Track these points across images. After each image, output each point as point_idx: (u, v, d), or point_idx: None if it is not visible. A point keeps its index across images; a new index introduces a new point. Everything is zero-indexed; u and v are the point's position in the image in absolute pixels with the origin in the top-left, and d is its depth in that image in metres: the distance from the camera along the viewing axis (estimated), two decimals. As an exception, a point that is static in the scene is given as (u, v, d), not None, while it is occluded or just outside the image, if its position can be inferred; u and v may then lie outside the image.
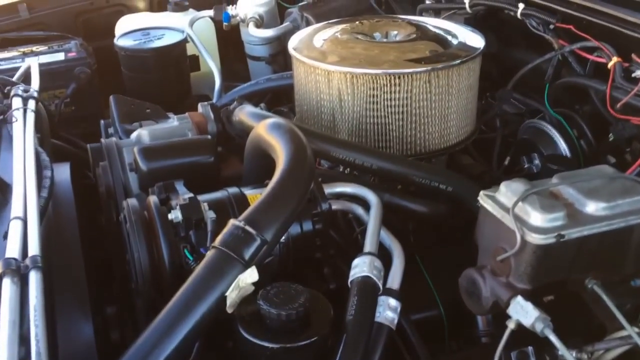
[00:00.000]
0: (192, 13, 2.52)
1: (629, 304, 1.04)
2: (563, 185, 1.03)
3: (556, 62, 1.61)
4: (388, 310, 1.05)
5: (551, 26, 1.62)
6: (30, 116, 1.60)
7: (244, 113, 1.45)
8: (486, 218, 1.04)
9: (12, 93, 1.70)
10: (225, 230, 0.99)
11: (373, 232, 1.15)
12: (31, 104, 1.68)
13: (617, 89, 1.41)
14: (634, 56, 1.39)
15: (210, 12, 2.42)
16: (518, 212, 0.97)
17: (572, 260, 0.98)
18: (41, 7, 2.54)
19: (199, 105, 1.58)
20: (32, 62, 2.01)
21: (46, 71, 2.26)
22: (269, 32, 2.25)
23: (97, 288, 1.33)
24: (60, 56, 2.36)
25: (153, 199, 1.16)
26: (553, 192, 1.03)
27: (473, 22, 1.87)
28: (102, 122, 1.79)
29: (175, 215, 1.12)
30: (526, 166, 1.63)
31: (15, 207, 1.19)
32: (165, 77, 2.26)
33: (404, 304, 1.07)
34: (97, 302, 1.29)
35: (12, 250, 1.05)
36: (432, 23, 1.70)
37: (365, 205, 1.27)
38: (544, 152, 1.59)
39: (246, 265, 0.97)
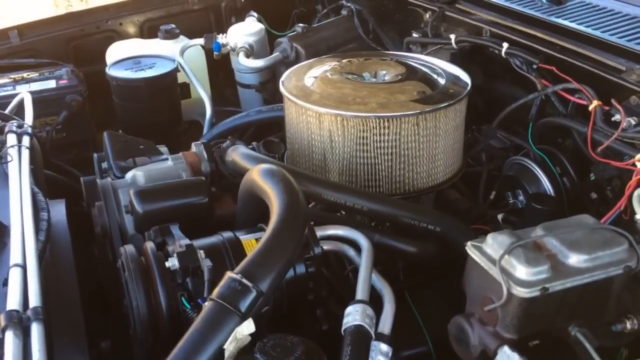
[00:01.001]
0: (182, 40, 2.55)
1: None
2: (547, 237, 1.08)
3: (539, 101, 1.66)
4: (380, 356, 1.08)
5: (534, 66, 1.68)
6: (25, 154, 1.62)
7: (238, 154, 1.48)
8: (473, 268, 1.08)
9: (6, 129, 1.72)
10: (222, 282, 1.02)
11: (365, 279, 1.19)
12: (25, 140, 1.70)
13: (598, 131, 1.46)
14: (613, 101, 1.45)
15: (201, 41, 2.45)
16: (504, 264, 1.02)
17: (557, 310, 1.03)
18: (32, 33, 2.55)
19: (193, 145, 1.61)
20: (25, 92, 2.02)
21: (38, 99, 2.28)
22: (259, 63, 2.29)
23: (92, 318, 1.35)
24: (52, 84, 2.38)
25: (150, 246, 1.19)
26: (537, 243, 1.07)
27: (459, 57, 1.93)
28: (95, 156, 1.82)
29: (173, 263, 1.15)
30: (511, 201, 1.68)
31: (14, 254, 1.21)
32: (157, 105, 2.28)
33: (394, 341, 1.11)
34: (92, 335, 1.32)
35: (13, 301, 1.08)
36: (420, 61, 1.75)
37: (356, 246, 1.31)
38: (528, 189, 1.64)
39: (243, 318, 1.00)
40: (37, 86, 2.37)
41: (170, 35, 2.52)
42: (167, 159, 1.55)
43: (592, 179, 1.53)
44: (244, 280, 1.01)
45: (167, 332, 1.13)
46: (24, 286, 1.13)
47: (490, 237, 1.07)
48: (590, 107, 1.49)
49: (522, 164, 1.68)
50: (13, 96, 2.26)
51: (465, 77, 1.62)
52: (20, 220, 1.31)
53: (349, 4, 2.53)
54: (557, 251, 1.05)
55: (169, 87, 2.31)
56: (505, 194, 1.71)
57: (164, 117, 2.32)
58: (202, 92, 2.32)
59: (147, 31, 2.73)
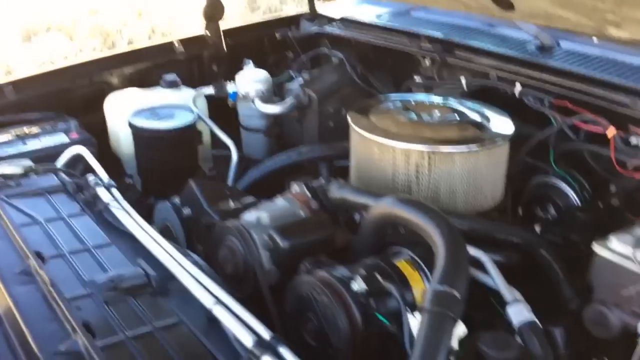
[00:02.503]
0: (184, 90, 2.64)
1: None
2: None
3: (557, 131, 2.03)
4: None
5: (545, 102, 2.05)
6: (128, 206, 1.68)
7: (348, 192, 1.67)
8: (603, 263, 1.38)
9: (91, 182, 1.76)
10: (430, 295, 1.21)
11: (503, 283, 1.44)
12: (116, 192, 1.75)
13: (620, 152, 1.85)
14: (631, 127, 1.84)
15: (211, 89, 2.57)
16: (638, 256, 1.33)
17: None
18: (27, 88, 2.50)
19: (294, 185, 1.76)
20: (79, 147, 2.03)
21: (53, 153, 2.28)
22: (275, 109, 2.46)
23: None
24: (63, 138, 2.37)
25: (333, 275, 1.35)
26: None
27: (468, 96, 2.26)
28: (170, 204, 1.89)
29: (360, 286, 1.32)
30: (542, 216, 2.02)
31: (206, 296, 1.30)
32: (181, 154, 2.37)
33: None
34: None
35: (247, 334, 1.19)
36: (466, 106, 2.02)
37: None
38: (559, 203, 1.99)
39: (456, 321, 1.20)
40: (48, 141, 2.35)
41: (172, 85, 2.61)
42: (281, 200, 1.68)
43: (614, 191, 1.91)
44: (450, 290, 1.22)
45: (365, 348, 1.29)
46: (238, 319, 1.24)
47: (613, 237, 1.38)
48: (609, 135, 1.87)
49: (548, 182, 2.03)
50: (30, 153, 2.25)
51: (507, 120, 1.92)
52: (191, 267, 1.40)
53: (333, 52, 2.79)
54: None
55: (192, 136, 2.40)
56: (534, 209, 2.05)
57: (186, 165, 2.41)
58: (225, 138, 2.44)
59: (137, 81, 2.78)
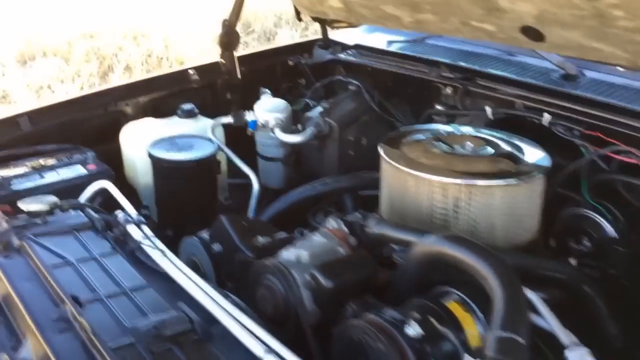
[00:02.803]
0: (201, 119, 2.60)
1: None
2: None
3: (589, 162, 2.00)
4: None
5: (576, 132, 2.03)
6: (162, 245, 1.63)
7: (388, 228, 1.63)
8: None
9: (121, 219, 1.70)
10: (495, 341, 1.17)
11: (558, 326, 1.39)
12: (147, 230, 1.70)
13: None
14: (667, 158, 1.83)
15: (229, 119, 2.53)
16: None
17: None
18: (42, 119, 2.45)
19: (331, 220, 1.72)
20: (104, 182, 1.98)
21: (70, 187, 2.23)
22: (296, 138, 2.42)
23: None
24: (80, 169, 2.33)
25: (387, 318, 1.30)
26: None
27: (493, 125, 2.24)
28: (197, 239, 1.84)
29: (416, 330, 1.27)
30: (577, 247, 1.98)
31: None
32: (202, 185, 2.32)
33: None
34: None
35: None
36: (497, 137, 1.98)
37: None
38: (594, 235, 1.96)
39: (522, 369, 1.16)
40: (66, 173, 2.30)
41: (189, 115, 2.57)
42: (319, 237, 1.64)
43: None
44: (515, 337, 1.18)
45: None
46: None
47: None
48: (646, 165, 1.86)
49: (581, 213, 2.00)
50: (48, 186, 2.20)
51: (540, 151, 1.89)
52: (235, 311, 1.34)
53: (349, 80, 2.76)
54: None
55: (212, 166, 2.35)
56: (567, 240, 2.01)
57: (205, 196, 2.36)
58: (246, 169, 2.40)
59: (151, 110, 2.73)
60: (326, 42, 3.08)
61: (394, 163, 1.80)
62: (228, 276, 1.76)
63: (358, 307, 1.39)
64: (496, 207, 1.71)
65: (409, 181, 1.77)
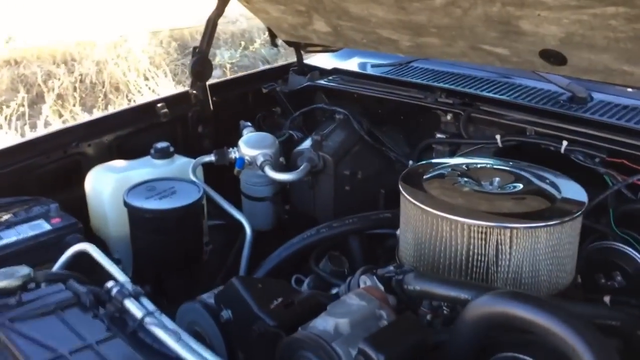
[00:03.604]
0: (177, 159, 2.34)
1: None
2: None
3: (614, 191, 1.88)
4: None
5: (597, 159, 1.91)
6: (170, 322, 1.37)
7: (431, 283, 1.43)
8: None
9: (114, 291, 1.43)
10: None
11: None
12: (146, 302, 1.43)
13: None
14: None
15: (211, 157, 2.28)
16: None
17: None
18: (-8, 167, 2.12)
19: (365, 278, 1.50)
20: (85, 244, 1.69)
21: (33, 245, 1.94)
22: (291, 176, 2.20)
23: None
24: (43, 225, 2.01)
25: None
26: None
27: (502, 153, 2.09)
28: (199, 305, 1.58)
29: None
30: (608, 283, 1.85)
31: None
32: (187, 235, 2.05)
33: None
34: None
35: None
36: (531, 171, 1.80)
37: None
38: (627, 269, 1.83)
39: None
40: (26, 230, 1.98)
41: (165, 154, 2.30)
42: (355, 299, 1.41)
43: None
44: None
45: None
46: None
47: None
48: (676, 192, 1.74)
49: (610, 247, 1.87)
50: (5, 248, 1.89)
51: (578, 189, 1.73)
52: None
53: (334, 108, 2.56)
54: None
55: (199, 212, 2.09)
56: (596, 276, 1.87)
57: (191, 246, 2.10)
58: (236, 213, 2.15)
59: (117, 151, 2.44)
60: (301, 67, 2.87)
61: (422, 206, 1.61)
62: (242, 348, 1.52)
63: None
64: (541, 251, 1.55)
65: (443, 225, 1.58)
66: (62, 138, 2.33)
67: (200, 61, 2.53)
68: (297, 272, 2.03)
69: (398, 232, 1.88)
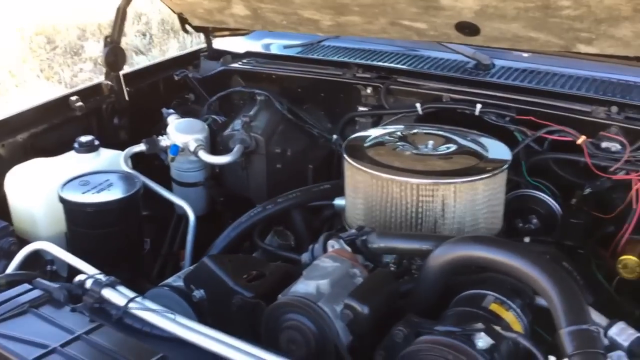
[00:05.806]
0: (103, 152, 2.28)
1: None
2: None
3: (525, 144, 2.10)
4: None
5: (507, 119, 2.13)
6: (155, 305, 1.39)
7: (394, 240, 1.56)
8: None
9: (88, 283, 1.42)
10: (571, 337, 1.17)
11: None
12: (124, 289, 1.44)
13: (593, 157, 1.98)
14: (602, 133, 1.98)
15: (142, 146, 2.25)
16: None
17: None
18: None
19: (332, 242, 1.58)
20: (40, 242, 1.63)
21: None
22: (226, 158, 2.22)
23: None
24: (-27, 231, 1.90)
25: (453, 335, 1.24)
26: None
27: (423, 120, 2.26)
28: (168, 290, 1.60)
29: (485, 341, 1.23)
30: (525, 226, 2.07)
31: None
32: (129, 227, 2.02)
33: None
34: None
35: None
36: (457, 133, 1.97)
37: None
38: (541, 212, 2.06)
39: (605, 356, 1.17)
40: (-45, 236, 1.86)
41: (90, 148, 2.23)
42: (328, 262, 1.50)
43: (586, 193, 2.04)
44: (586, 327, 1.19)
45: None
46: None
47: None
48: (580, 142, 1.99)
49: (526, 194, 2.09)
50: None
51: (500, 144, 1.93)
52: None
53: (254, 90, 2.60)
54: None
55: (138, 203, 2.06)
56: (514, 222, 2.09)
57: (134, 238, 2.07)
58: (177, 200, 2.15)
59: (32, 149, 2.33)
60: (212, 53, 2.88)
61: (372, 171, 1.72)
62: (220, 324, 1.56)
63: (407, 328, 1.30)
64: (480, 202, 1.73)
65: (393, 187, 1.71)
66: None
67: (113, 50, 2.47)
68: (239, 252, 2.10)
69: (337, 201, 1.99)
